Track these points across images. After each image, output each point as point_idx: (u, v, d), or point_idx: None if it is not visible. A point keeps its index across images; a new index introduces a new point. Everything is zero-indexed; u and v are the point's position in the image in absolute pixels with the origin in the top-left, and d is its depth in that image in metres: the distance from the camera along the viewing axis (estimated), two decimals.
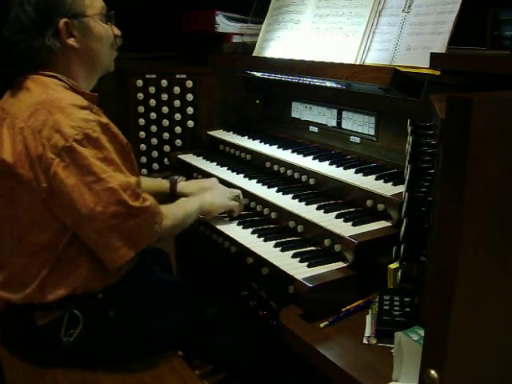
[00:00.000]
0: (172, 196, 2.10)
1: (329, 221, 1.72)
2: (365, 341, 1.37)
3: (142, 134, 2.70)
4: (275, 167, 2.16)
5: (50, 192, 1.53)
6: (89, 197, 1.51)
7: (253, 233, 1.86)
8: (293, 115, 2.47)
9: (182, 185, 2.14)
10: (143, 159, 2.72)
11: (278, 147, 2.25)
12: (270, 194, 1.98)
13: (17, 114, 1.58)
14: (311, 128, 2.37)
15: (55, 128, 1.50)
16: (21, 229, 1.61)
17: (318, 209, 1.80)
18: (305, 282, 1.48)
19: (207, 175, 2.31)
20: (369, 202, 1.73)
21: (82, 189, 1.50)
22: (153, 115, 2.69)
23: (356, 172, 1.89)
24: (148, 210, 1.61)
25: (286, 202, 1.90)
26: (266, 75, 2.30)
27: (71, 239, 1.60)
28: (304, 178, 2.01)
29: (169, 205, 1.78)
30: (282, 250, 1.72)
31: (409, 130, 1.53)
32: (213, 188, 2.05)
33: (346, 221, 1.70)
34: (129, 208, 1.55)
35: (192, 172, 2.43)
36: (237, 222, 1.96)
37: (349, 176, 1.87)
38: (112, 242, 1.56)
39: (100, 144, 1.53)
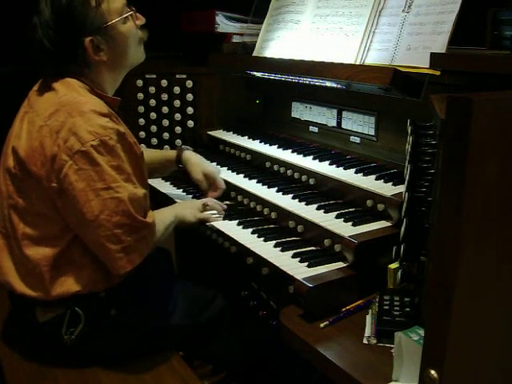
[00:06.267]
0: (178, 163, 2.18)
1: (329, 221, 1.72)
2: (365, 341, 1.37)
3: (142, 134, 2.70)
4: (275, 167, 2.16)
5: (58, 192, 1.54)
6: (95, 204, 1.51)
7: (253, 233, 1.86)
8: (293, 115, 2.47)
9: (188, 155, 2.17)
10: None
11: (278, 147, 2.25)
12: (270, 194, 1.98)
13: (39, 111, 1.60)
14: (311, 128, 2.37)
15: (72, 131, 1.52)
16: (25, 220, 1.61)
17: (318, 209, 1.80)
18: (305, 282, 1.48)
19: None
20: (369, 202, 1.73)
21: (90, 195, 1.51)
22: (153, 115, 2.69)
23: (356, 172, 1.89)
24: (149, 226, 1.63)
25: (286, 202, 1.89)
26: (266, 75, 2.30)
27: (74, 240, 1.61)
28: (304, 177, 2.01)
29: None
30: (282, 250, 1.72)
31: (409, 130, 1.53)
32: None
33: (346, 221, 1.69)
34: (133, 220, 1.56)
35: None
36: (237, 221, 1.96)
37: (349, 176, 1.87)
38: (111, 252, 1.56)
39: (115, 152, 1.55)
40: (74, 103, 1.56)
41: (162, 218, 1.78)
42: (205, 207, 1.98)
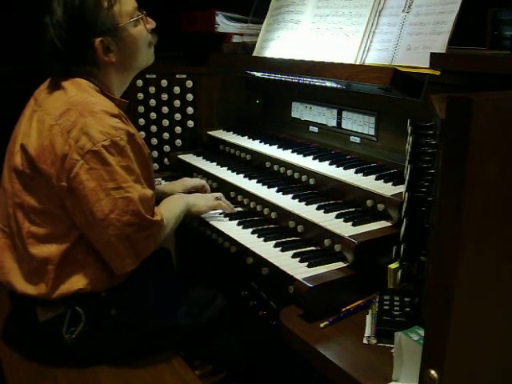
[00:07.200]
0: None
1: (329, 221, 1.72)
2: (365, 341, 1.37)
3: (142, 134, 2.69)
4: (275, 167, 2.16)
5: (68, 191, 1.55)
6: (105, 203, 1.53)
7: (253, 233, 1.86)
8: (293, 115, 2.47)
9: (161, 186, 2.19)
10: None
11: (278, 147, 2.25)
12: (270, 194, 1.98)
13: (48, 110, 1.61)
14: (311, 128, 2.37)
15: (84, 130, 1.53)
16: (31, 218, 1.61)
17: (318, 209, 1.80)
18: (305, 282, 1.48)
19: (207, 175, 2.31)
20: (369, 202, 1.73)
21: (100, 194, 1.52)
22: (153, 115, 2.69)
23: (356, 172, 1.89)
24: (158, 224, 1.65)
25: (286, 202, 1.89)
26: (266, 75, 2.29)
27: (79, 239, 1.61)
28: (304, 177, 2.01)
29: (161, 210, 1.77)
30: (282, 250, 1.72)
31: (409, 130, 1.53)
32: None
33: (346, 221, 1.69)
34: (143, 219, 1.58)
35: (192, 172, 2.43)
36: (237, 221, 1.96)
37: (349, 176, 1.87)
38: (119, 250, 1.58)
39: (125, 153, 1.56)
40: (85, 103, 1.57)
41: (174, 210, 1.82)
42: (216, 199, 2.01)
